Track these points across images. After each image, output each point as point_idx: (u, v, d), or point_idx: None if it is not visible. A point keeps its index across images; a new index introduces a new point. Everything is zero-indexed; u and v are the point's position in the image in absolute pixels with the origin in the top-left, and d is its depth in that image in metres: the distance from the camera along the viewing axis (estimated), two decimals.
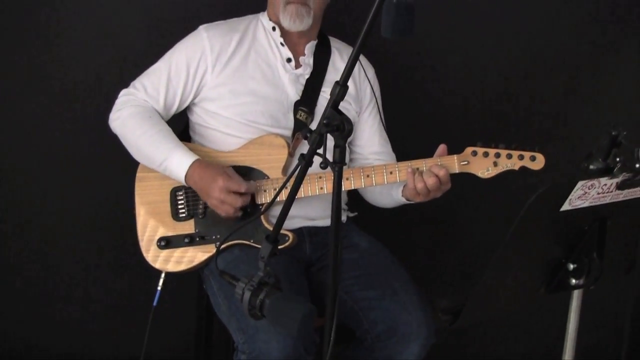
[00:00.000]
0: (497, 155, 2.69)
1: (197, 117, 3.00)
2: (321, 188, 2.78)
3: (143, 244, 2.93)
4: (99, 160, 3.54)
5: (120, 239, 3.03)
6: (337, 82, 1.88)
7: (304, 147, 2.76)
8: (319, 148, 1.92)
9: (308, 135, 1.94)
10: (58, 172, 3.64)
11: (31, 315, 3.81)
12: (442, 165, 2.70)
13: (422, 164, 2.74)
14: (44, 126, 3.57)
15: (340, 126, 1.88)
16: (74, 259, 3.76)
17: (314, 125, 2.72)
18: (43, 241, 3.73)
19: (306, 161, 1.94)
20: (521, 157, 2.67)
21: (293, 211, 2.10)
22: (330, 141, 1.89)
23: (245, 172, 2.89)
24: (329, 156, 1.92)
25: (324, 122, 1.87)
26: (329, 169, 1.92)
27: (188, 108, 3.03)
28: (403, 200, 2.92)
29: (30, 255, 3.74)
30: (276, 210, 2.79)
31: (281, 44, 2.97)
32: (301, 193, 2.14)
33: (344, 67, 2.84)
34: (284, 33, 2.96)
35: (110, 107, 2.97)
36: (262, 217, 2.84)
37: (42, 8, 3.41)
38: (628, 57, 3.94)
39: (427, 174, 2.68)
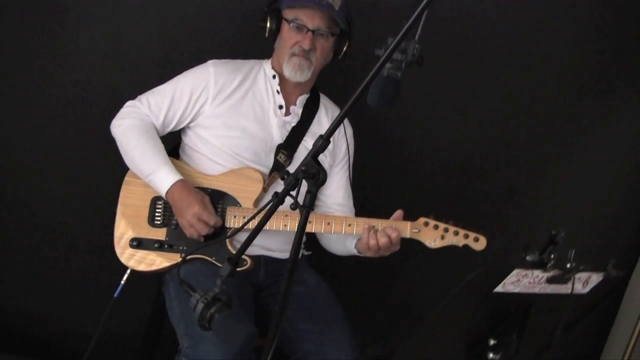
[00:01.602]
0: (446, 230, 2.68)
1: (189, 140, 2.98)
2: (285, 225, 2.78)
3: (116, 239, 2.91)
4: (96, 160, 3.50)
5: (105, 229, 2.98)
6: (321, 136, 1.87)
7: (277, 186, 2.81)
8: (293, 190, 1.90)
9: (285, 176, 1.92)
10: (61, 167, 3.63)
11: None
12: (395, 228, 2.69)
13: (379, 223, 2.72)
14: (56, 120, 3.56)
15: (316, 175, 1.87)
16: (64, 237, 3.75)
17: (291, 169, 2.75)
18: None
19: (279, 199, 1.94)
20: (466, 236, 2.67)
21: (255, 240, 2.07)
22: (303, 186, 1.88)
23: (221, 196, 2.88)
24: (299, 199, 1.90)
25: (302, 168, 1.86)
26: (296, 210, 1.89)
27: (182, 129, 3.01)
28: (354, 252, 2.91)
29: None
30: (240, 236, 2.82)
31: (277, 91, 2.96)
32: (267, 226, 2.12)
33: (327, 122, 2.91)
34: (282, 82, 2.96)
35: (112, 113, 2.94)
36: (228, 242, 2.82)
37: (58, 16, 3.43)
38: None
39: (381, 233, 2.68)
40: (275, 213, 2.01)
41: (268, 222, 2.05)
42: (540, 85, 3.76)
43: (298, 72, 2.87)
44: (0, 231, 3.72)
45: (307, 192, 1.91)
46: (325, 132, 1.87)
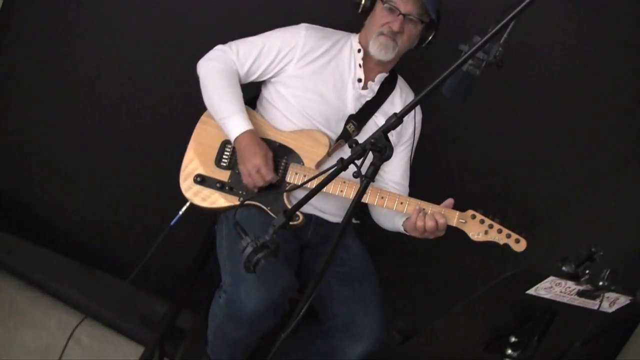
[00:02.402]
0: (490, 226, 2.66)
1: (268, 93, 2.99)
2: (341, 191, 2.77)
3: (183, 173, 2.93)
4: (178, 94, 3.55)
5: (170, 160, 3.00)
6: (395, 114, 1.87)
7: (341, 153, 2.85)
8: (358, 159, 1.90)
9: (354, 145, 1.93)
10: (142, 97, 3.66)
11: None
12: (443, 215, 2.68)
13: (429, 207, 2.72)
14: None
15: (382, 149, 1.87)
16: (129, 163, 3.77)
17: (361, 136, 2.79)
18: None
19: (343, 165, 1.94)
20: (508, 236, 2.65)
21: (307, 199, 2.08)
22: (367, 159, 1.89)
23: (287, 152, 2.89)
24: (362, 170, 1.91)
25: (372, 140, 1.86)
26: (356, 179, 1.90)
27: (263, 83, 3.02)
28: (401, 230, 2.90)
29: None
30: (296, 193, 2.85)
31: (359, 65, 2.94)
32: (324, 189, 2.13)
33: (399, 103, 2.89)
34: (365, 57, 2.94)
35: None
36: (284, 195, 2.83)
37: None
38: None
39: (429, 217, 2.67)
40: (335, 178, 2.02)
41: (322, 187, 2.06)
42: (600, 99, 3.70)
43: (383, 51, 2.86)
44: (76, 145, 3.76)
45: (371, 164, 1.91)
46: (400, 112, 1.86)
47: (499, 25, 1.82)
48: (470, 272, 2.95)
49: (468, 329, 2.26)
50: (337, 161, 1.96)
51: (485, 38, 1.86)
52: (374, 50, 2.87)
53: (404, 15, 2.81)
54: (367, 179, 1.92)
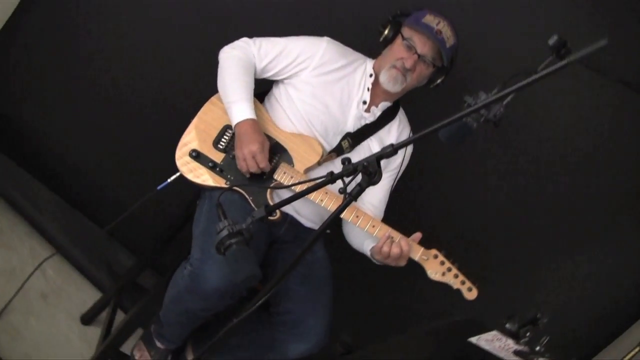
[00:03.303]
0: (449, 270, 2.65)
1: (278, 92, 2.98)
2: (321, 200, 2.76)
3: (181, 145, 2.92)
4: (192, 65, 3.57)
5: (173, 130, 2.99)
6: (391, 145, 1.87)
7: (330, 165, 2.87)
8: (347, 177, 1.90)
9: (347, 163, 1.93)
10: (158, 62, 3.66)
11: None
12: (409, 245, 2.66)
13: (398, 236, 2.70)
14: None
15: (372, 174, 1.87)
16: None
17: (352, 155, 2.81)
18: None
19: (332, 179, 1.94)
20: (463, 283, 2.64)
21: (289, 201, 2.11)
22: (355, 179, 1.90)
23: (281, 150, 2.88)
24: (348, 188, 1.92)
25: (364, 163, 1.86)
26: (340, 194, 1.92)
27: (276, 81, 3.01)
28: (367, 253, 2.90)
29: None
30: (280, 190, 2.85)
31: (368, 88, 2.93)
32: (303, 195, 2.13)
33: (395, 133, 2.91)
34: (375, 83, 2.93)
35: None
36: (269, 190, 2.82)
37: None
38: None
39: (396, 244, 2.66)
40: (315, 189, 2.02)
41: (306, 193, 2.06)
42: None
43: (391, 83, 2.86)
44: (89, 89, 3.75)
45: (358, 184, 1.91)
46: (397, 144, 1.86)
47: (505, 91, 1.82)
48: (425, 303, 2.92)
49: (405, 358, 2.25)
50: (327, 174, 1.96)
51: (490, 99, 1.87)
52: (384, 79, 2.87)
53: (419, 56, 2.81)
54: (351, 198, 1.92)
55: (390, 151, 1.86)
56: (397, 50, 2.86)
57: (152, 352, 3.14)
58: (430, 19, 2.81)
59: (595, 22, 3.32)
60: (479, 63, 3.38)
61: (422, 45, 2.81)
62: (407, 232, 2.72)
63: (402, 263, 2.70)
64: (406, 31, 2.85)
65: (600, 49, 1.47)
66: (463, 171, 3.76)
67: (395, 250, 2.66)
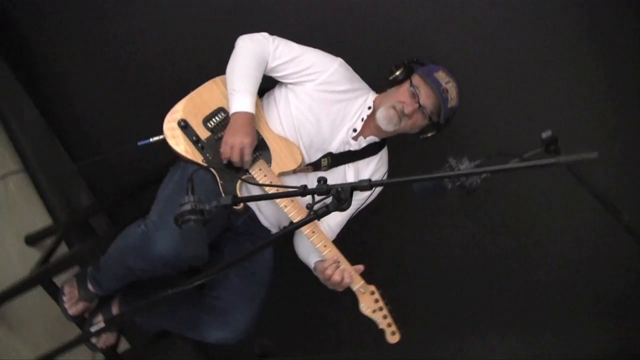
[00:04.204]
0: (380, 309, 2.66)
1: (279, 93, 2.97)
2: (285, 206, 2.74)
3: (172, 111, 2.90)
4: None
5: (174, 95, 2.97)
6: (368, 180, 1.88)
7: (303, 177, 2.88)
8: (319, 196, 1.91)
9: (322, 182, 1.94)
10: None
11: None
12: (351, 277, 2.66)
13: (344, 262, 2.70)
14: None
15: (342, 201, 1.88)
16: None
17: (327, 175, 2.79)
18: None
19: (303, 192, 1.95)
20: (389, 325, 2.64)
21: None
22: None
23: (264, 148, 2.86)
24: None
25: (339, 189, 1.86)
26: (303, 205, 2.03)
27: (280, 83, 2.99)
28: (310, 266, 2.90)
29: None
30: (251, 187, 2.83)
31: (362, 119, 2.92)
32: (272, 197, 2.13)
33: (373, 168, 2.96)
34: (370, 116, 2.92)
35: None
36: (240, 181, 2.79)
37: None
38: None
39: (339, 272, 2.66)
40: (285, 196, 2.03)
41: (274, 197, 2.07)
42: None
43: (385, 122, 2.84)
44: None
45: (325, 205, 1.91)
46: (374, 182, 1.87)
47: (486, 168, 1.83)
48: (355, 328, 2.91)
49: None
50: (301, 186, 1.97)
51: (471, 170, 1.87)
52: (380, 116, 2.85)
53: (420, 105, 2.81)
54: (315, 216, 1.92)
55: (365, 186, 1.87)
56: (401, 93, 2.86)
57: (81, 291, 3.12)
58: (441, 76, 2.82)
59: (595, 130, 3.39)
60: (473, 127, 3.42)
61: (426, 98, 2.80)
62: (352, 261, 2.72)
63: (339, 289, 2.70)
64: (416, 79, 2.85)
65: (589, 160, 1.48)
66: (424, 218, 3.78)
67: (336, 277, 2.65)
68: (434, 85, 2.79)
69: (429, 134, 2.95)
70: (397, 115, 2.82)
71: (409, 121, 2.85)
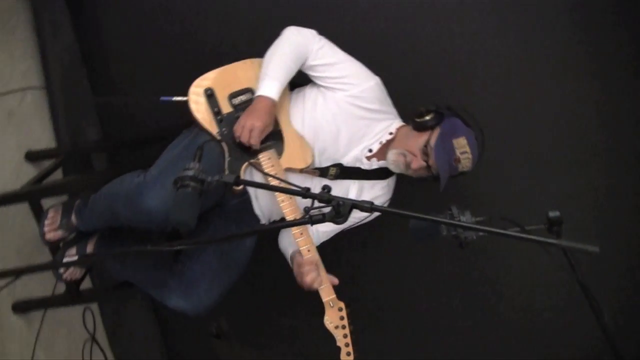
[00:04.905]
0: (343, 327, 2.60)
1: (309, 93, 2.96)
2: (282, 201, 2.71)
3: (202, 77, 2.89)
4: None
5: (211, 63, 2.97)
6: (371, 203, 1.86)
7: (308, 178, 2.89)
8: (320, 203, 1.92)
9: (326, 190, 1.94)
10: None
11: None
12: (323, 286, 2.63)
13: (321, 269, 2.66)
14: None
15: (339, 214, 1.89)
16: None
17: (331, 185, 2.66)
18: None
19: (305, 195, 1.96)
20: (347, 345, 2.59)
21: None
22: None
23: (278, 139, 2.86)
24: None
25: (340, 202, 1.86)
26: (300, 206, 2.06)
27: (314, 83, 2.97)
28: (287, 255, 2.94)
29: None
30: (254, 172, 2.83)
31: (380, 142, 2.91)
32: (274, 190, 2.13)
33: (377, 192, 2.98)
34: (389, 143, 2.91)
35: None
36: (247, 163, 2.79)
37: None
38: None
39: (313, 276, 2.62)
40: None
41: (275, 189, 2.07)
42: None
43: (392, 165, 2.86)
44: None
45: (322, 214, 1.91)
46: (375, 207, 1.86)
47: (485, 228, 1.82)
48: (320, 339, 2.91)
49: None
50: (304, 187, 1.96)
51: (470, 225, 1.88)
52: (389, 157, 2.85)
53: (427, 165, 2.79)
54: (310, 221, 1.92)
55: (366, 207, 1.86)
56: (415, 144, 2.82)
57: (63, 220, 3.12)
58: (460, 144, 2.75)
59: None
60: (485, 183, 3.45)
61: (434, 162, 2.76)
62: (329, 269, 2.70)
63: (304, 287, 2.67)
64: (434, 136, 2.79)
65: (589, 252, 1.47)
66: (410, 254, 3.77)
67: (308, 278, 2.62)
68: (446, 154, 2.73)
69: (429, 179, 2.89)
70: (404, 164, 2.81)
71: (413, 172, 2.84)
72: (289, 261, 2.86)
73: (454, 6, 3.34)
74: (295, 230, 2.71)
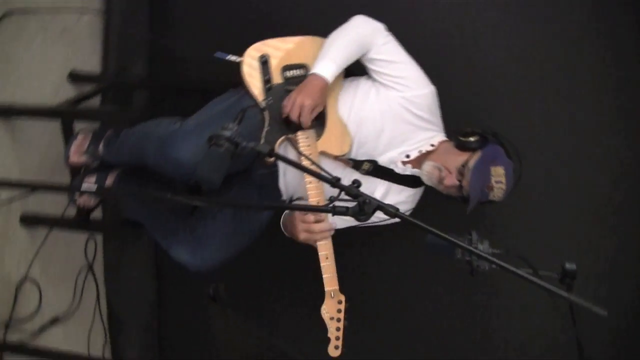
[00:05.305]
0: (338, 320, 2.62)
1: (363, 84, 2.97)
2: (310, 182, 2.73)
3: (263, 42, 2.94)
4: None
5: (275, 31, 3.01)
6: (396, 209, 1.92)
7: (339, 167, 2.92)
8: (347, 196, 1.95)
9: (355, 185, 1.97)
10: None
11: None
12: (328, 275, 2.65)
13: (331, 260, 2.67)
14: None
15: (363, 211, 1.92)
16: None
17: (362, 179, 2.67)
18: None
19: (334, 184, 1.98)
20: (337, 338, 2.61)
21: (284, 163, 2.23)
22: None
23: (321, 120, 2.86)
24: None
25: (366, 200, 1.90)
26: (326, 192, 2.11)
27: (370, 76, 2.97)
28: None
29: None
30: (288, 148, 2.87)
31: (420, 151, 2.92)
32: (305, 170, 2.14)
33: (402, 199, 3.00)
34: (428, 153, 2.92)
35: None
36: (284, 137, 2.82)
37: None
38: None
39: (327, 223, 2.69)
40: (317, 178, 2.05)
41: (306, 171, 2.11)
42: None
43: (425, 176, 2.86)
44: None
45: (346, 208, 1.94)
46: (400, 214, 1.91)
47: (499, 262, 1.86)
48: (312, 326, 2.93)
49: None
50: (335, 177, 1.98)
51: (486, 255, 1.90)
52: (424, 169, 2.86)
53: (460, 184, 2.79)
54: (332, 210, 1.96)
55: (390, 212, 1.89)
56: (453, 162, 2.82)
57: (90, 147, 3.18)
58: (497, 172, 2.75)
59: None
60: (511, 216, 3.47)
61: (467, 184, 2.76)
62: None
63: (315, 238, 2.68)
64: (473, 159, 2.79)
65: (596, 313, 1.50)
66: (417, 261, 3.78)
67: (323, 225, 2.67)
68: (481, 181, 2.74)
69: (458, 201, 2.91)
70: (437, 178, 2.81)
71: (444, 188, 2.84)
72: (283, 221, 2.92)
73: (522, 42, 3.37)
74: (315, 198, 2.72)
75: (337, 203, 1.96)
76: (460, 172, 2.78)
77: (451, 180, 2.79)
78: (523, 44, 3.38)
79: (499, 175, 2.74)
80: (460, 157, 2.81)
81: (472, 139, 2.83)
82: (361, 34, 2.85)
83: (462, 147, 2.84)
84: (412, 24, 3.38)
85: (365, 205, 1.89)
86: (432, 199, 3.07)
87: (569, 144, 3.40)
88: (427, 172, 2.84)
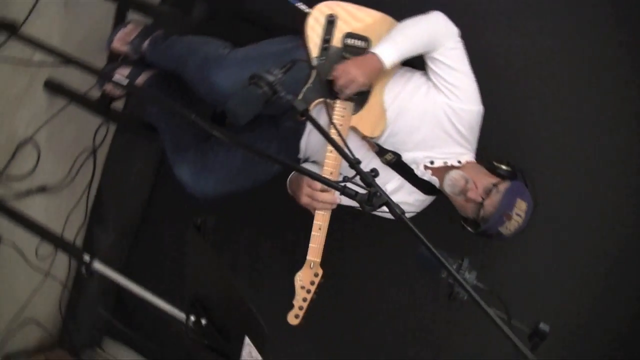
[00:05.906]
0: (308, 291, 2.68)
1: (418, 77, 2.98)
2: (331, 152, 2.76)
3: (336, 2, 2.97)
4: None
5: None
6: (402, 212, 1.96)
7: (364, 148, 2.97)
8: (361, 181, 2.00)
9: (372, 174, 2.02)
10: None
11: None
12: (315, 246, 2.71)
13: (323, 232, 2.73)
14: None
15: (369, 202, 1.97)
16: None
17: (381, 168, 2.80)
18: None
19: (353, 165, 2.04)
20: (300, 308, 2.67)
21: (315, 129, 2.20)
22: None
23: (364, 97, 2.89)
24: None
25: (377, 192, 1.95)
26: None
27: (425, 72, 2.97)
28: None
29: None
30: (323, 113, 2.90)
31: (445, 162, 2.93)
32: (331, 142, 2.17)
33: (409, 200, 3.03)
34: (451, 167, 2.92)
35: None
36: (322, 100, 2.85)
37: None
38: None
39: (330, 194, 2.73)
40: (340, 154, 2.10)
41: (331, 143, 2.13)
42: None
43: (448, 182, 2.87)
44: None
45: (355, 192, 2.01)
46: (403, 218, 1.95)
47: (476, 297, 1.87)
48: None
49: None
50: (356, 159, 2.04)
51: (467, 286, 1.93)
52: (452, 174, 2.88)
53: (481, 203, 2.78)
54: (342, 189, 2.02)
55: (396, 213, 1.94)
56: (483, 179, 2.85)
57: (136, 40, 3.23)
58: (520, 206, 2.77)
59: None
60: (512, 255, 3.50)
61: (491, 204, 2.77)
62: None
63: (316, 206, 2.74)
64: (503, 185, 2.81)
65: None
66: (404, 271, 3.81)
67: (327, 195, 2.72)
68: (503, 210, 2.75)
69: (467, 226, 2.94)
70: (461, 189, 2.83)
71: (463, 201, 2.86)
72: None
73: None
74: (329, 169, 2.77)
75: (349, 184, 2.00)
76: (487, 192, 2.79)
77: (475, 194, 2.80)
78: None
79: (521, 210, 2.76)
80: (490, 178, 2.84)
81: (504, 167, 2.87)
82: (434, 32, 2.87)
83: (494, 171, 2.87)
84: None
85: (374, 197, 1.93)
86: (438, 213, 3.10)
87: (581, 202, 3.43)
88: (453, 178, 2.86)
